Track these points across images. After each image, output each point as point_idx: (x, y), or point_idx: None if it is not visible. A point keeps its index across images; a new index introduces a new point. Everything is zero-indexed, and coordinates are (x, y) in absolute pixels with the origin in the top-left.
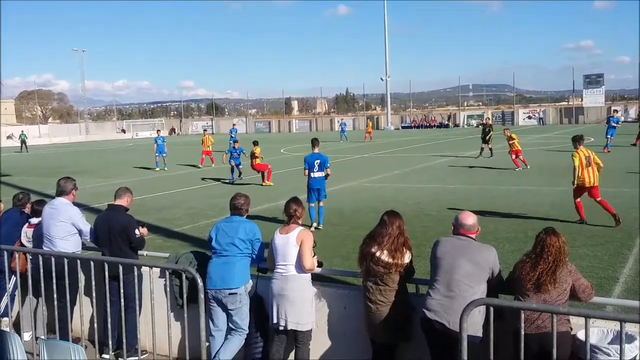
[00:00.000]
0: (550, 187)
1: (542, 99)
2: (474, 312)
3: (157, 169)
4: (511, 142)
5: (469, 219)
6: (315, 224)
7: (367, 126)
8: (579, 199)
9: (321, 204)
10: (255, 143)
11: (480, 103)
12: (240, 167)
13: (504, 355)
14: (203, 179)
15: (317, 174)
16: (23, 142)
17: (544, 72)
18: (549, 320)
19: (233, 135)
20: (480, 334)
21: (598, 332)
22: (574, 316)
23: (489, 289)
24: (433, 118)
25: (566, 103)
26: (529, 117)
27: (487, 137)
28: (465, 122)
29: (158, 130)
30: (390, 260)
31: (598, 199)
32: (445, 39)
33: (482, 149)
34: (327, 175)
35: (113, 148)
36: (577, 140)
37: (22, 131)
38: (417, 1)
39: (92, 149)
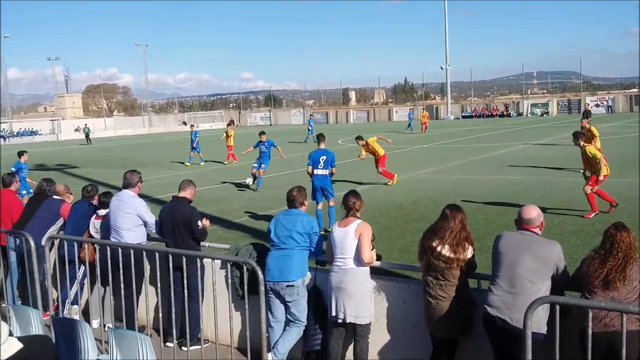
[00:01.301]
0: (618, 178)
1: (610, 85)
2: (538, 308)
3: (202, 163)
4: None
5: (533, 212)
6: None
7: (423, 117)
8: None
9: (331, 203)
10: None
11: (545, 91)
12: (261, 167)
13: (570, 353)
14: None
15: (320, 171)
16: (87, 135)
17: (612, 58)
18: (617, 319)
19: (311, 127)
20: (544, 330)
21: None
22: None
23: (553, 285)
24: (495, 107)
25: (637, 90)
26: (597, 105)
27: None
28: (529, 111)
29: (192, 125)
30: (452, 255)
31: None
32: (508, 24)
33: None
34: (331, 174)
35: (175, 140)
36: (578, 136)
37: (86, 125)
38: None
39: (155, 141)
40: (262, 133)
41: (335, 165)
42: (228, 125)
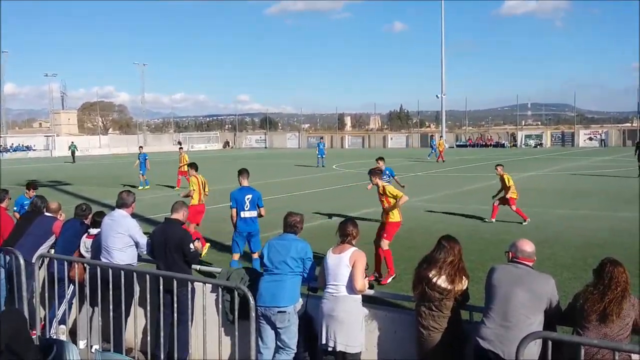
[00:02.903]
0: (610, 212)
1: (604, 119)
2: (530, 343)
3: (140, 187)
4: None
5: (527, 246)
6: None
7: (439, 145)
8: None
9: (255, 255)
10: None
11: (539, 123)
12: None
13: None
14: None
15: (247, 213)
16: (73, 152)
17: (606, 92)
18: (609, 355)
19: (321, 149)
20: None
21: None
22: (637, 354)
23: (546, 319)
24: (489, 137)
25: (630, 125)
26: (590, 139)
27: None
28: (523, 142)
29: (140, 147)
30: (448, 287)
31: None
32: (504, 55)
33: None
34: (259, 215)
35: (169, 160)
36: (372, 173)
37: (72, 142)
38: (475, 16)
39: (149, 160)
40: (380, 159)
41: (263, 205)
42: (180, 147)
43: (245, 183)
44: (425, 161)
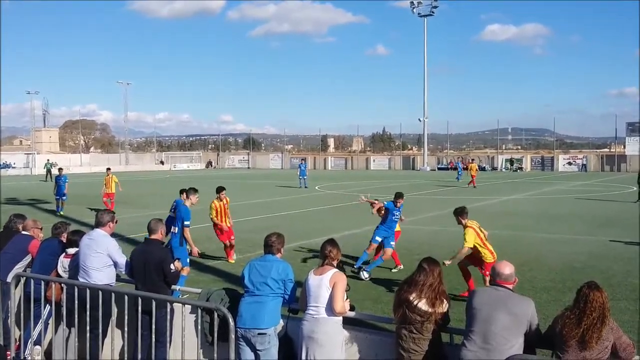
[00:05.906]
0: (589, 236)
1: (583, 144)
2: None
3: (60, 212)
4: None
5: (506, 268)
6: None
7: (470, 169)
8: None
9: (184, 272)
10: None
11: (519, 147)
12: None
13: None
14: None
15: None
16: (48, 171)
17: (585, 118)
18: None
19: (302, 170)
20: None
21: None
22: None
23: (526, 342)
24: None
25: (608, 150)
26: (569, 163)
27: None
28: (504, 166)
29: (60, 169)
30: (430, 310)
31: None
32: (486, 80)
33: None
34: (182, 237)
35: (151, 179)
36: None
37: (48, 160)
38: (457, 43)
39: (131, 179)
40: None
41: (189, 224)
42: (107, 169)
43: (183, 200)
44: (452, 185)
